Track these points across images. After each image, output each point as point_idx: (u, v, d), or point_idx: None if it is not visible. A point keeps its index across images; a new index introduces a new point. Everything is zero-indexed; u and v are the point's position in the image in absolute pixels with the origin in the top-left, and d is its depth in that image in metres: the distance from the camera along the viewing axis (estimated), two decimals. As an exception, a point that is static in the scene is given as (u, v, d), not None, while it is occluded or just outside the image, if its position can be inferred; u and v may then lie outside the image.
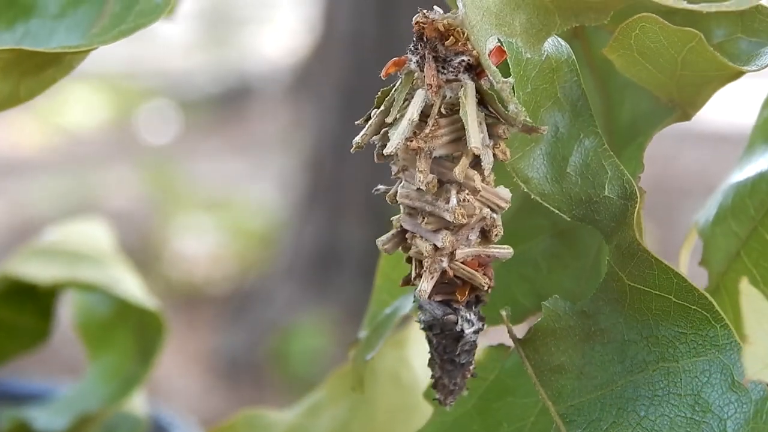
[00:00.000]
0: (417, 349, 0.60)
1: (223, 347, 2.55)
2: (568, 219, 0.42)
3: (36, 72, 0.45)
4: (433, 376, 0.43)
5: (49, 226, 0.73)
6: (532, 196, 0.42)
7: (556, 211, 0.42)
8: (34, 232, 0.76)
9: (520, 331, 0.45)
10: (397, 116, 0.41)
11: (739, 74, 0.43)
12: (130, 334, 0.70)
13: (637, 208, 0.41)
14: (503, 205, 0.41)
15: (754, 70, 0.42)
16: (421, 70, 0.40)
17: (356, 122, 0.41)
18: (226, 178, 3.38)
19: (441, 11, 0.40)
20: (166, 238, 2.95)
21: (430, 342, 0.43)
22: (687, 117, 0.46)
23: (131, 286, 0.68)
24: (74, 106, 3.87)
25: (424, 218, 0.41)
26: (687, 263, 0.52)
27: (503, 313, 0.44)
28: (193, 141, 3.74)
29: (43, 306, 0.70)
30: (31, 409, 0.72)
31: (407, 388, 0.60)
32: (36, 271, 0.68)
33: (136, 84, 4.12)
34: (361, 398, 0.60)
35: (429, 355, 0.43)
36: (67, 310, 0.74)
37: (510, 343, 0.45)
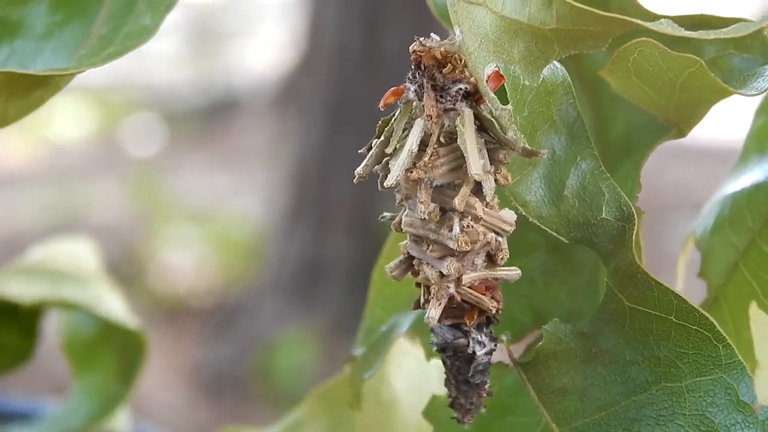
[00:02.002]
0: (396, 367, 0.60)
1: (207, 361, 2.54)
2: (566, 241, 0.42)
3: (24, 93, 0.45)
4: (449, 395, 0.43)
5: (34, 239, 0.73)
6: (530, 219, 0.41)
7: (554, 234, 0.41)
8: (19, 245, 0.76)
9: (518, 349, 0.45)
10: (397, 146, 0.41)
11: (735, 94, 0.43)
12: (113, 354, 0.70)
13: (635, 230, 0.41)
14: (508, 228, 0.41)
15: (754, 95, 0.41)
16: (420, 99, 0.40)
17: (359, 150, 0.41)
18: (212, 191, 3.38)
19: (438, 38, 0.40)
20: (151, 251, 2.94)
21: (444, 363, 0.43)
22: (682, 134, 0.46)
23: (114, 306, 0.69)
24: (60, 119, 3.87)
25: (429, 246, 0.41)
26: (684, 273, 0.51)
27: (504, 337, 0.44)
28: (178, 154, 3.73)
29: (27, 325, 0.70)
30: (16, 428, 0.72)
31: (386, 406, 0.60)
32: (20, 290, 0.68)
33: (121, 97, 4.11)
34: (341, 416, 0.60)
35: (444, 375, 0.43)
36: (51, 329, 0.74)
37: (508, 360, 0.45)
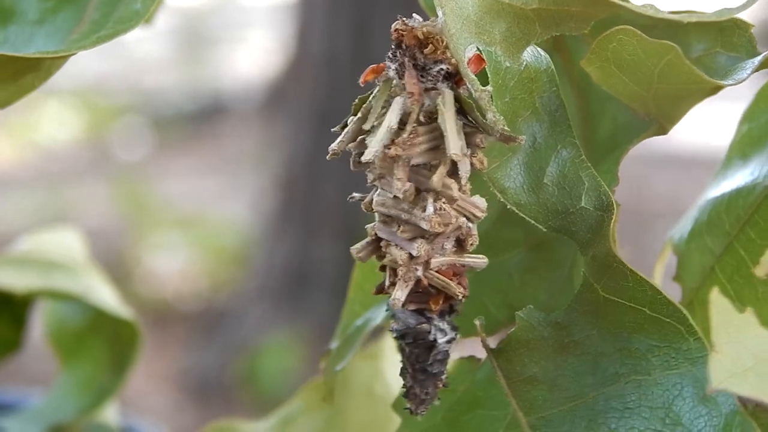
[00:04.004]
0: (391, 361, 0.60)
1: (193, 365, 2.54)
2: (544, 229, 0.42)
3: (15, 78, 0.45)
4: (404, 386, 0.43)
5: (23, 235, 0.73)
6: (509, 206, 0.41)
7: (532, 222, 0.42)
8: (5, 248, 0.76)
9: (491, 343, 0.44)
10: (375, 124, 0.40)
11: (716, 89, 0.43)
12: (104, 344, 0.69)
13: (613, 220, 0.41)
14: (479, 214, 0.41)
15: (731, 84, 0.42)
16: (400, 78, 0.40)
17: (332, 129, 0.41)
18: (199, 195, 3.37)
19: (420, 19, 0.40)
20: (138, 255, 2.94)
21: (402, 351, 0.42)
22: (664, 131, 0.46)
23: (106, 296, 0.68)
24: (48, 122, 3.86)
25: (399, 226, 0.41)
26: (661, 278, 0.52)
27: (477, 322, 0.44)
28: (166, 158, 3.73)
29: (17, 315, 0.70)
30: (3, 420, 0.72)
31: (381, 400, 0.60)
32: (10, 280, 0.67)
33: (109, 100, 4.10)
34: (335, 410, 0.60)
35: (401, 364, 0.43)
36: (39, 320, 0.73)
37: (481, 355, 0.45)
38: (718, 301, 0.36)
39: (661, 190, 3.27)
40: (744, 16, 0.44)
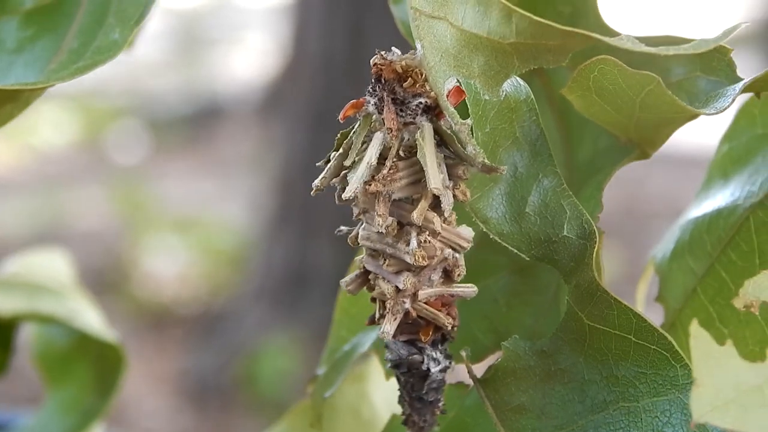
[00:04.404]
0: (377, 383, 0.60)
1: (191, 368, 2.54)
2: (527, 259, 0.42)
3: (-6, 108, 0.45)
4: (403, 413, 0.43)
5: (18, 246, 0.73)
6: (491, 236, 0.41)
7: (515, 251, 0.42)
8: (2, 252, 0.76)
9: (478, 370, 0.45)
10: (356, 159, 0.41)
11: (698, 116, 0.43)
12: (89, 367, 0.70)
13: (596, 248, 0.41)
14: (465, 245, 0.41)
15: (713, 114, 0.41)
16: (380, 113, 0.40)
17: (317, 164, 0.41)
18: (196, 198, 3.37)
19: (399, 52, 0.40)
20: (136, 258, 2.94)
21: (398, 380, 0.43)
22: (646, 156, 0.46)
23: (91, 319, 0.68)
24: (44, 125, 3.86)
25: (385, 260, 0.41)
26: (644, 299, 0.52)
27: (463, 353, 0.44)
28: (163, 161, 3.73)
29: (2, 338, 0.70)
30: (-11, 439, 0.72)
31: (367, 422, 0.60)
32: (-3, 303, 0.67)
33: (106, 103, 4.10)
34: (320, 432, 0.60)
35: (398, 393, 0.43)
36: (26, 342, 0.73)
37: (469, 381, 0.45)
38: (697, 334, 0.36)
39: (656, 189, 3.27)
40: (744, 16, 0.44)
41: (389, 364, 0.42)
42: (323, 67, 2.53)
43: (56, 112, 3.86)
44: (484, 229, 0.41)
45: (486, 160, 0.40)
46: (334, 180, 0.41)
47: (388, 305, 0.41)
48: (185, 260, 2.95)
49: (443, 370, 0.42)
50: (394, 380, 0.59)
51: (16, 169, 3.65)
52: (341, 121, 0.41)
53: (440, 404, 0.43)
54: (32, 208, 3.19)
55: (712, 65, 0.44)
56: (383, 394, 0.59)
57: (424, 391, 0.42)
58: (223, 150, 3.81)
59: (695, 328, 0.36)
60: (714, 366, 0.36)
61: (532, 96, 0.42)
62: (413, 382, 0.42)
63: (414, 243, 0.40)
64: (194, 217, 3.19)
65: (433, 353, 0.42)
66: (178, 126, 3.95)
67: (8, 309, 0.66)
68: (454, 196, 0.41)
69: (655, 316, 0.46)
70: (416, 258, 0.40)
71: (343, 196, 0.40)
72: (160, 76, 4.37)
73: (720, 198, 0.49)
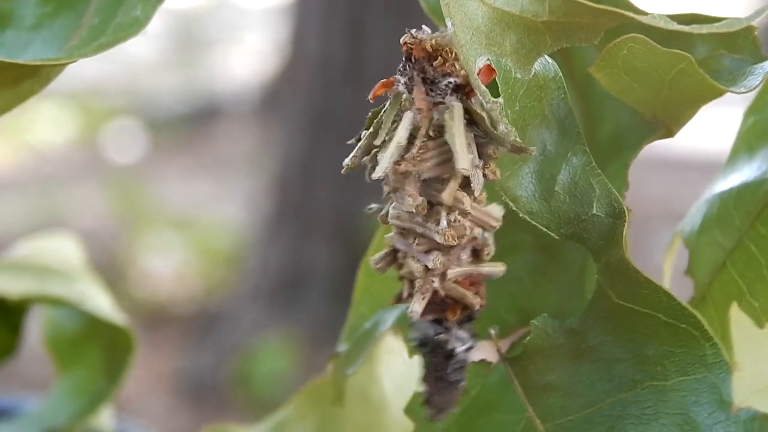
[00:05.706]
0: (386, 365, 0.59)
1: (187, 368, 2.53)
2: (557, 237, 0.41)
3: (13, 84, 0.44)
4: (425, 392, 0.43)
5: (18, 241, 0.73)
6: (521, 215, 0.41)
7: (545, 230, 0.41)
8: (1, 250, 0.76)
9: (502, 347, 0.45)
10: (386, 139, 0.40)
11: (724, 93, 0.43)
12: (99, 350, 0.70)
13: (625, 227, 0.41)
14: (495, 224, 0.41)
15: (744, 92, 0.41)
16: (409, 92, 0.40)
17: (348, 142, 0.41)
18: (193, 197, 3.37)
19: (429, 31, 0.40)
20: (133, 257, 2.94)
21: (422, 359, 0.42)
22: (670, 134, 0.46)
23: (101, 302, 0.68)
24: (42, 124, 3.86)
25: (415, 239, 0.41)
26: (671, 272, 0.51)
27: (491, 332, 0.44)
28: (160, 160, 3.73)
29: (12, 321, 0.70)
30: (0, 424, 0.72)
31: (376, 405, 0.59)
32: (5, 285, 0.67)
33: (103, 102, 4.10)
34: (329, 415, 0.60)
35: (422, 372, 0.43)
36: (34, 326, 0.73)
37: (491, 358, 0.45)
38: (737, 317, 0.36)
39: (655, 192, 3.27)
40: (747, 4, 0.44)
41: (414, 343, 0.42)
42: (322, 67, 2.53)
43: (54, 110, 3.86)
44: (514, 208, 0.41)
45: (517, 139, 0.40)
46: (364, 158, 0.41)
47: (416, 284, 0.41)
48: (182, 259, 2.95)
49: (467, 350, 0.42)
50: (404, 363, 0.59)
51: (13, 167, 3.64)
52: (371, 101, 0.41)
53: (462, 384, 0.42)
54: (29, 206, 3.19)
55: (737, 43, 0.43)
56: (393, 377, 0.59)
57: (448, 371, 0.42)
58: (221, 150, 3.81)
59: (735, 311, 0.36)
60: (754, 349, 0.36)
61: (560, 74, 0.42)
62: (437, 361, 0.42)
63: (444, 222, 0.40)
64: (191, 217, 3.19)
65: (459, 333, 0.42)
66: (176, 125, 3.95)
67: (18, 291, 0.66)
68: (484, 175, 0.40)
69: (683, 291, 0.45)
70: (446, 237, 0.40)
71: (373, 175, 0.40)
72: (158, 76, 4.37)
73: (747, 171, 0.48)
